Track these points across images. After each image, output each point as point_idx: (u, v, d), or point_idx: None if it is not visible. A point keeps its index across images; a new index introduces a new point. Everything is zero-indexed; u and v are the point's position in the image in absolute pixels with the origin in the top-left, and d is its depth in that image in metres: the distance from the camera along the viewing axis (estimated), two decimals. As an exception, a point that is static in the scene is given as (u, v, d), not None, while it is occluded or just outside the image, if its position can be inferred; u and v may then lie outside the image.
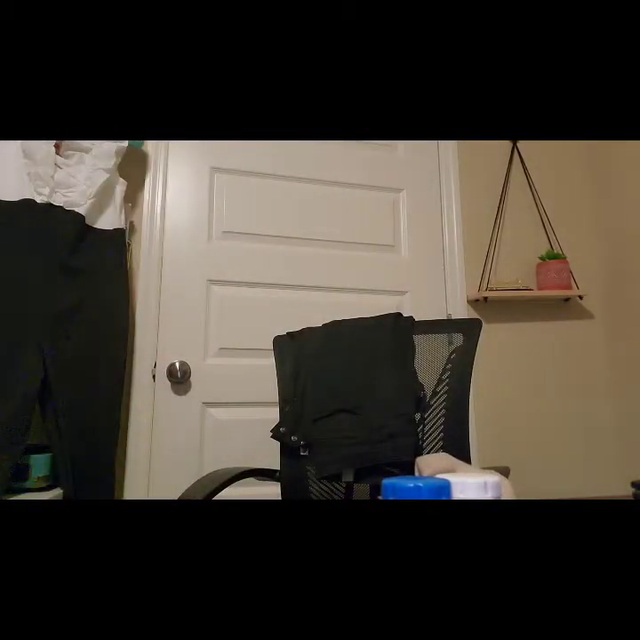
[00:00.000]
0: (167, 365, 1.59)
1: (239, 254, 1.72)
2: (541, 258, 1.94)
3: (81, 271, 1.38)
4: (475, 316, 1.89)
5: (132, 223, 1.64)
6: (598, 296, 2.03)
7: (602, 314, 2.02)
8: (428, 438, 1.16)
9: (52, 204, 1.34)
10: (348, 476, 1.16)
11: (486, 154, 2.04)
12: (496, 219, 1.99)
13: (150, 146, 1.70)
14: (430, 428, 1.16)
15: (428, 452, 1.15)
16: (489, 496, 0.46)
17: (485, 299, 1.88)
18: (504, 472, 0.95)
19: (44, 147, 1.34)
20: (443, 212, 1.95)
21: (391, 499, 0.44)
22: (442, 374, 1.18)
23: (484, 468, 0.75)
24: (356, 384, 1.21)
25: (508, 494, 0.56)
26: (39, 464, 1.23)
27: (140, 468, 1.52)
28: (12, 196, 1.30)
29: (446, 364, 1.18)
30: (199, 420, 1.60)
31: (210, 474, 1.13)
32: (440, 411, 1.16)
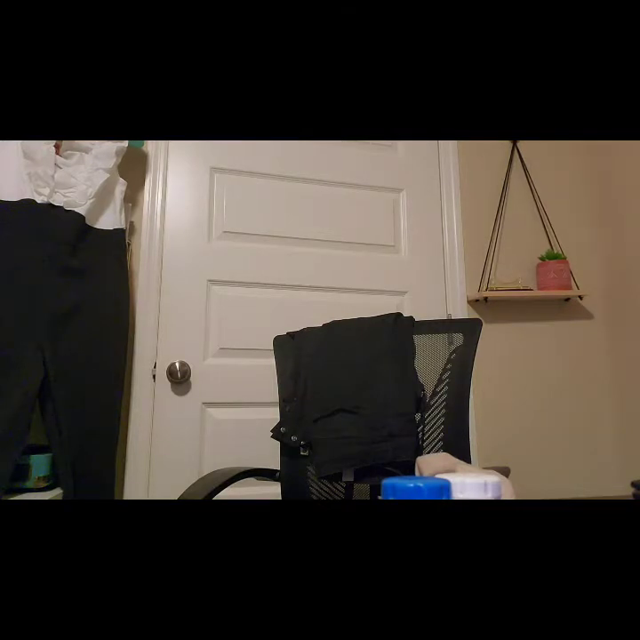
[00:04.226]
0: (167, 365, 1.59)
1: (239, 254, 1.72)
2: (541, 258, 1.94)
3: (81, 271, 1.38)
4: (475, 315, 1.89)
5: (131, 223, 1.64)
6: (598, 296, 2.03)
7: (602, 314, 2.02)
8: (428, 438, 1.16)
9: (52, 204, 1.34)
10: (348, 476, 1.16)
11: (486, 154, 2.04)
12: (496, 219, 1.99)
13: (150, 146, 1.70)
14: (430, 428, 1.16)
15: (428, 452, 1.15)
16: (489, 496, 0.46)
17: (485, 299, 1.88)
18: (504, 472, 0.95)
19: (44, 147, 1.34)
20: (443, 212, 1.95)
21: (391, 499, 0.44)
22: (442, 374, 1.18)
23: (484, 468, 0.75)
24: (356, 384, 1.21)
25: (508, 494, 0.56)
26: (39, 464, 1.23)
27: (140, 468, 1.52)
28: (12, 195, 1.30)
29: (446, 363, 1.18)
30: (199, 420, 1.60)
31: (210, 474, 1.13)
32: (440, 411, 1.16)
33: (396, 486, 0.44)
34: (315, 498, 1.24)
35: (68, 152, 1.40)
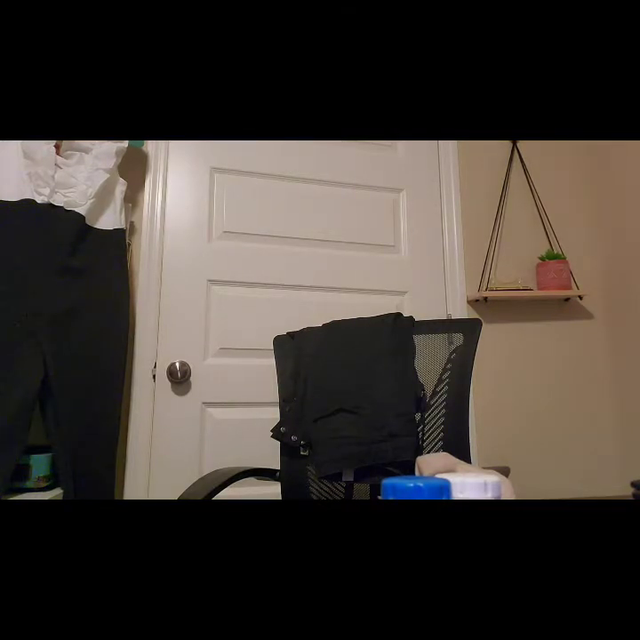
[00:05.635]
0: (167, 365, 1.59)
1: (239, 254, 1.72)
2: (541, 258, 1.94)
3: (81, 271, 1.38)
4: (475, 315, 1.89)
5: (132, 223, 1.64)
6: (598, 296, 2.03)
7: (602, 314, 2.02)
8: (427, 438, 1.16)
9: (52, 205, 1.34)
10: (348, 476, 1.16)
11: (486, 154, 2.04)
12: (496, 219, 1.99)
13: (150, 146, 1.70)
14: (430, 428, 1.16)
15: (428, 452, 1.15)
16: (489, 496, 0.46)
17: (485, 299, 1.88)
18: (504, 472, 0.95)
19: (44, 147, 1.34)
20: (443, 212, 1.95)
21: (391, 499, 0.44)
22: (442, 374, 1.18)
23: (484, 468, 0.75)
24: (356, 384, 1.21)
25: (508, 494, 0.56)
26: (39, 464, 1.23)
27: (140, 468, 1.52)
28: (12, 195, 1.30)
29: (446, 363, 1.18)
30: (199, 420, 1.60)
31: (210, 474, 1.13)
32: (440, 411, 1.16)
33: (396, 486, 0.44)
34: (315, 498, 1.24)
35: (68, 152, 1.40)
